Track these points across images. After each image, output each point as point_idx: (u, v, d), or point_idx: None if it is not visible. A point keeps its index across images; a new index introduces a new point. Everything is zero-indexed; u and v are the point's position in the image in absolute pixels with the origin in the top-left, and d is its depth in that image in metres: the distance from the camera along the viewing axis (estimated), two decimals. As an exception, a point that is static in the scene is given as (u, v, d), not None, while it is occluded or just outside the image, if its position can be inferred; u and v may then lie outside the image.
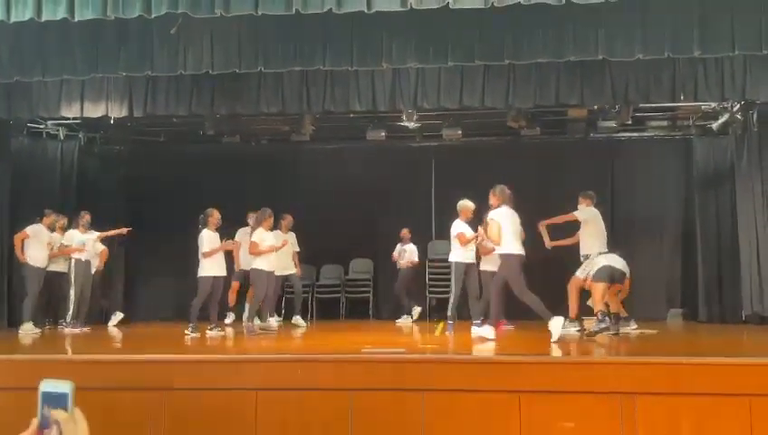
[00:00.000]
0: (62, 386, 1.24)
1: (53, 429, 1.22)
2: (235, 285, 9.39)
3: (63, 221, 9.27)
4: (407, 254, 10.50)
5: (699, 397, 4.45)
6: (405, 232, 10.59)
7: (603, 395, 4.53)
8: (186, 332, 7.75)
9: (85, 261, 9.06)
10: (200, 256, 8.01)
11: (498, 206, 7.08)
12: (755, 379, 4.48)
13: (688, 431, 4.40)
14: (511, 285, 6.88)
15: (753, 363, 4.69)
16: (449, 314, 8.00)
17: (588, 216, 7.78)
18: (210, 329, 8.00)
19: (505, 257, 6.96)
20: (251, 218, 9.01)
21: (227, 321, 9.59)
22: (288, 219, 9.57)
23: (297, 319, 9.45)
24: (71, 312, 8.82)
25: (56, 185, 10.56)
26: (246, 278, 8.70)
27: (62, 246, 9.02)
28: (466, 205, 8.25)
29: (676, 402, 4.46)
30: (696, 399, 4.45)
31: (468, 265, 8.01)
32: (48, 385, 1.24)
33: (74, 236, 9.02)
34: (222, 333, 8.12)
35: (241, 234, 9.28)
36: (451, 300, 7.97)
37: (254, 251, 8.03)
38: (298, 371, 4.87)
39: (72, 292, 8.88)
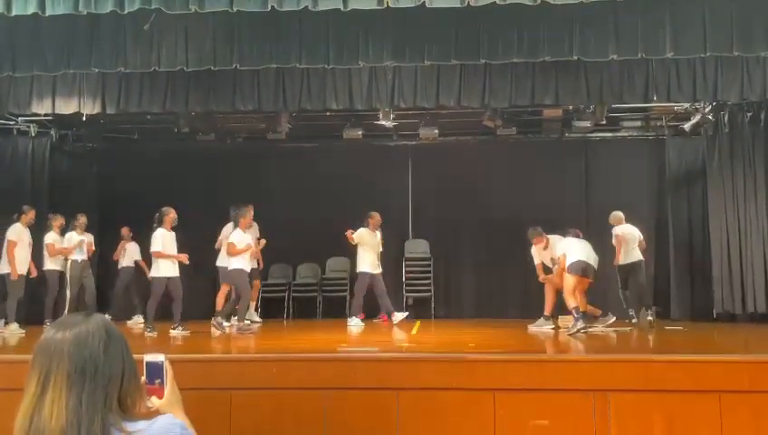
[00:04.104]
0: (159, 357, 1.76)
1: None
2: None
3: (61, 221, 9.12)
4: (128, 253, 10.27)
5: (671, 393, 4.51)
6: (125, 230, 10.30)
7: (577, 392, 4.56)
8: (145, 331, 7.73)
9: (81, 262, 9.04)
10: (152, 255, 7.95)
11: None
12: (724, 375, 4.55)
13: (660, 427, 4.46)
14: None
15: (723, 360, 4.77)
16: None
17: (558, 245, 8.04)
18: (174, 328, 7.93)
19: None
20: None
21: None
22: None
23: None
24: (65, 312, 8.69)
25: (27, 182, 10.37)
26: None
27: (62, 248, 8.97)
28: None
29: (648, 399, 4.51)
30: (667, 395, 4.51)
31: None
32: (149, 356, 1.75)
33: (72, 239, 8.98)
34: (186, 332, 7.99)
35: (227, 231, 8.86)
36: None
37: (234, 251, 8.00)
38: (273, 370, 4.84)
39: (67, 292, 8.82)
